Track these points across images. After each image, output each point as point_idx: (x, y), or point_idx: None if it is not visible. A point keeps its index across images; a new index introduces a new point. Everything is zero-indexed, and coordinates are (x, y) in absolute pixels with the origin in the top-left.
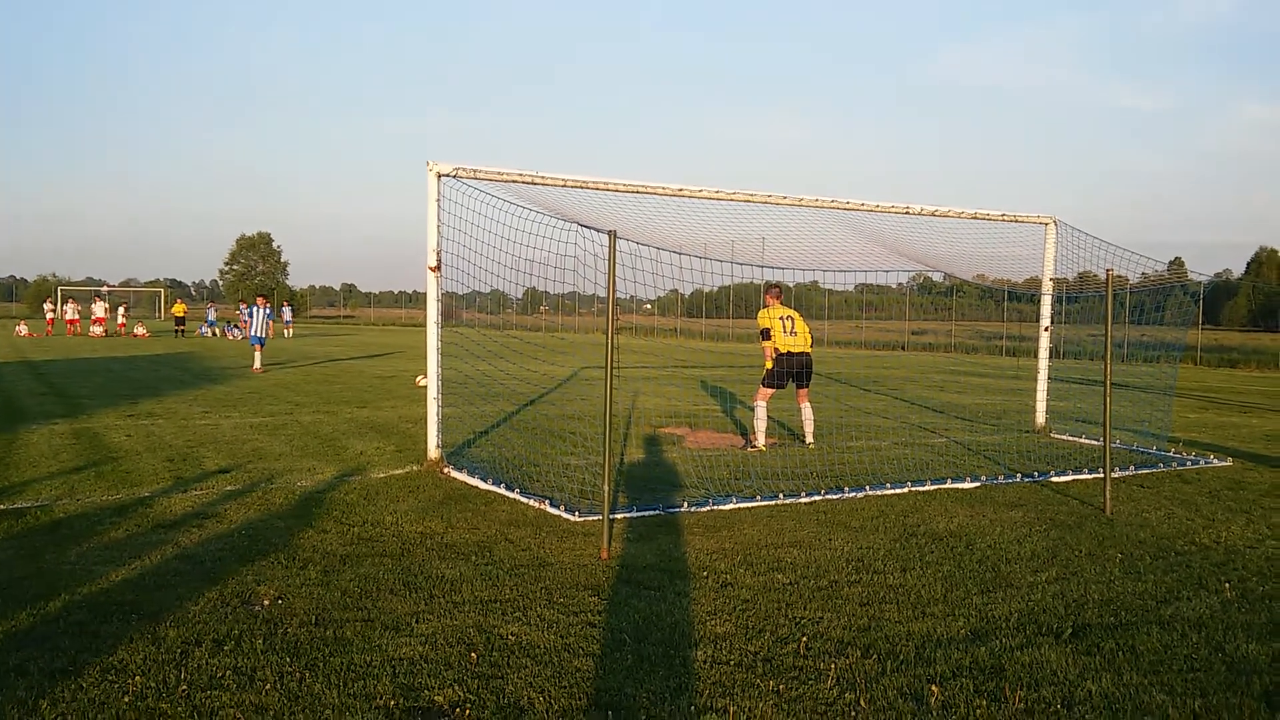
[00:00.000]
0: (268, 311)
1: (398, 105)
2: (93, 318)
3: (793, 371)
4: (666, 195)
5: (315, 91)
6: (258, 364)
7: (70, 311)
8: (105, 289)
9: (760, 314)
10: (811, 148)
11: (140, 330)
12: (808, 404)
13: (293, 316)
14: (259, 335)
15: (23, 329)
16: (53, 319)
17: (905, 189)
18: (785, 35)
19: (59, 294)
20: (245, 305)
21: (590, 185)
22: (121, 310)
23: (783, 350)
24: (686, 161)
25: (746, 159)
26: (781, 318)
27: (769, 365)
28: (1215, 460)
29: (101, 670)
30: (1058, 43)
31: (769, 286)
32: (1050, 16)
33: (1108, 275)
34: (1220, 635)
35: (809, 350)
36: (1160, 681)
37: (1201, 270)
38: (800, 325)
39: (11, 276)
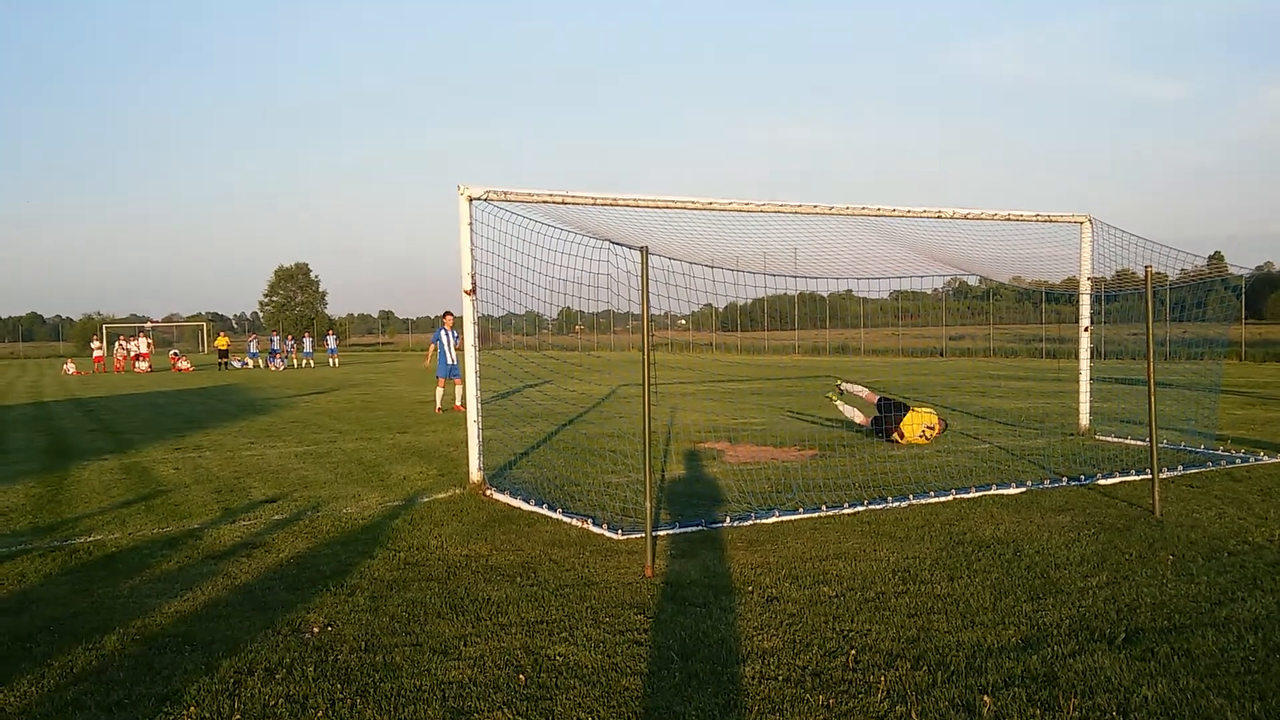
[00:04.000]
0: (454, 335)
1: (428, 130)
2: (136, 353)
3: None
4: (696, 209)
5: (343, 117)
6: (441, 403)
7: (119, 350)
8: (149, 324)
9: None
10: (835, 152)
11: (184, 364)
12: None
13: (337, 345)
14: (451, 366)
15: (70, 367)
16: (100, 356)
17: (935, 191)
18: (805, 38)
19: (105, 332)
20: (275, 335)
21: (620, 202)
22: (140, 343)
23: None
24: (712, 169)
25: (774, 165)
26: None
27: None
28: (1265, 457)
29: (156, 702)
30: (1086, 38)
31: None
32: (1074, 10)
33: (1147, 273)
34: (1278, 636)
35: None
36: (1218, 685)
37: (1242, 264)
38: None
39: (58, 316)
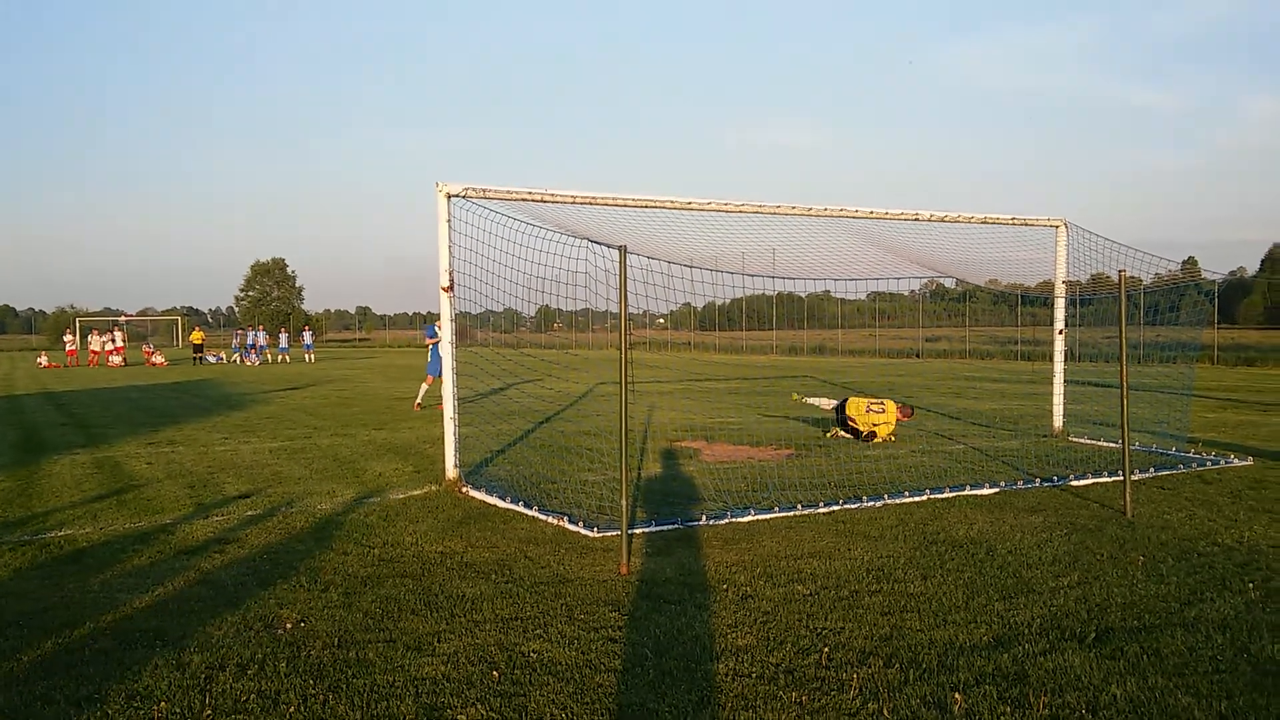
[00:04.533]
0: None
1: (407, 125)
2: (111, 348)
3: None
4: (675, 209)
5: (320, 111)
6: (422, 399)
7: (95, 343)
8: (123, 318)
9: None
10: (817, 154)
11: (159, 359)
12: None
13: (313, 341)
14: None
15: (43, 360)
16: (74, 350)
17: (914, 194)
18: (787, 39)
19: (78, 325)
20: (251, 330)
21: (599, 201)
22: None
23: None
24: (693, 171)
25: (756, 167)
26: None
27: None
28: (1236, 460)
29: (127, 697)
30: (1064, 43)
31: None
32: (1056, 16)
33: (1120, 277)
34: (1245, 636)
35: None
36: (1185, 684)
37: (1215, 269)
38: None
39: (31, 309)
